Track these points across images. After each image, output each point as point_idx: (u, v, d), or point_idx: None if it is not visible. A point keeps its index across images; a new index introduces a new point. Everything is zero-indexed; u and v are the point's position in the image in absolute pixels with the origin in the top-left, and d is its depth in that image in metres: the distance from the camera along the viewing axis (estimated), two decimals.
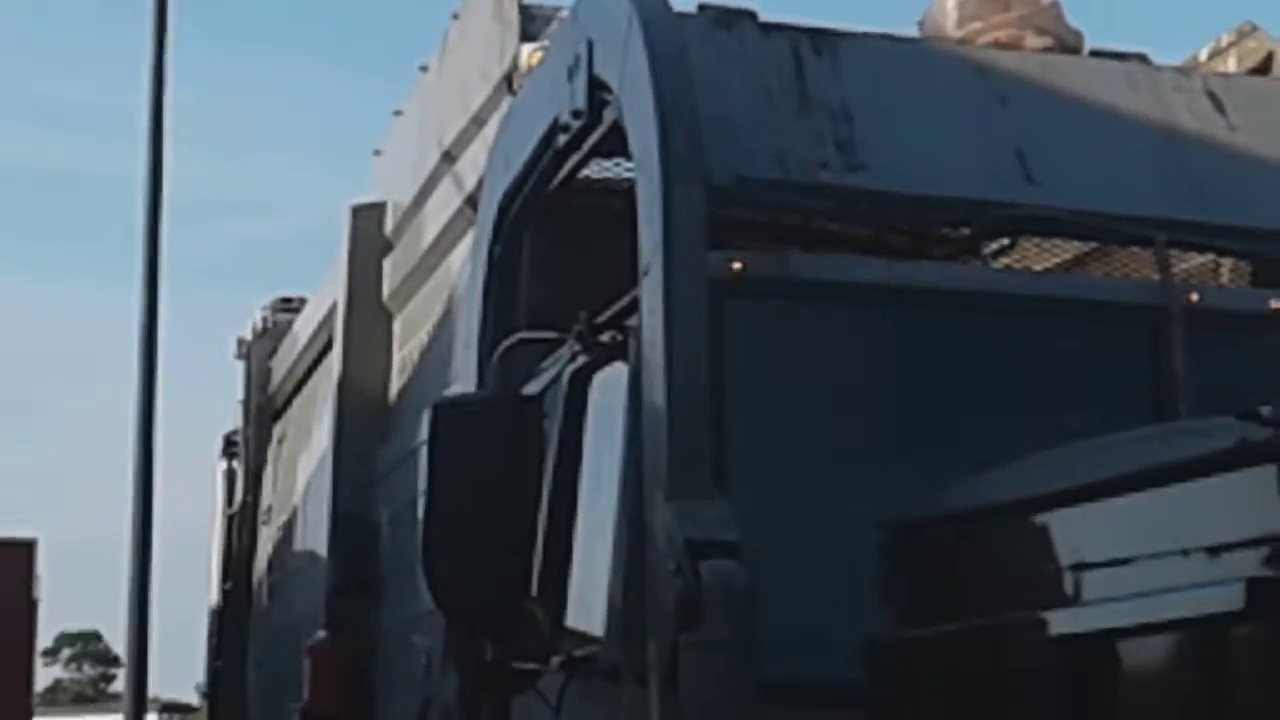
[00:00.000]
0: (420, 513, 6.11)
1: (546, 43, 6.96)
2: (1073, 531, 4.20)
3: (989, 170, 6.28)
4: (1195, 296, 6.01)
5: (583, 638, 5.71)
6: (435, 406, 6.13)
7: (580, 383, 5.95)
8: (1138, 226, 6.15)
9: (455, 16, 8.36)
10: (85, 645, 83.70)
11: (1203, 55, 7.49)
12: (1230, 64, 7.39)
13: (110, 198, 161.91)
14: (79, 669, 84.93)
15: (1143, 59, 6.94)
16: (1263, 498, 3.51)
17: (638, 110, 5.60)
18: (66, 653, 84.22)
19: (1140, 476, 3.96)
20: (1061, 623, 4.06)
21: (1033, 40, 7.04)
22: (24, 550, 19.94)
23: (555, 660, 5.81)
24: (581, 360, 5.94)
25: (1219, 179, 6.50)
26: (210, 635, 13.52)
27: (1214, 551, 3.62)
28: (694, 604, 4.80)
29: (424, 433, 6.09)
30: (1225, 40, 7.57)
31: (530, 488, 5.92)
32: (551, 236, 6.66)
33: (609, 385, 5.79)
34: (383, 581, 8.75)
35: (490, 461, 5.93)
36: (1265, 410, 3.56)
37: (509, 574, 5.88)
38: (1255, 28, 7.55)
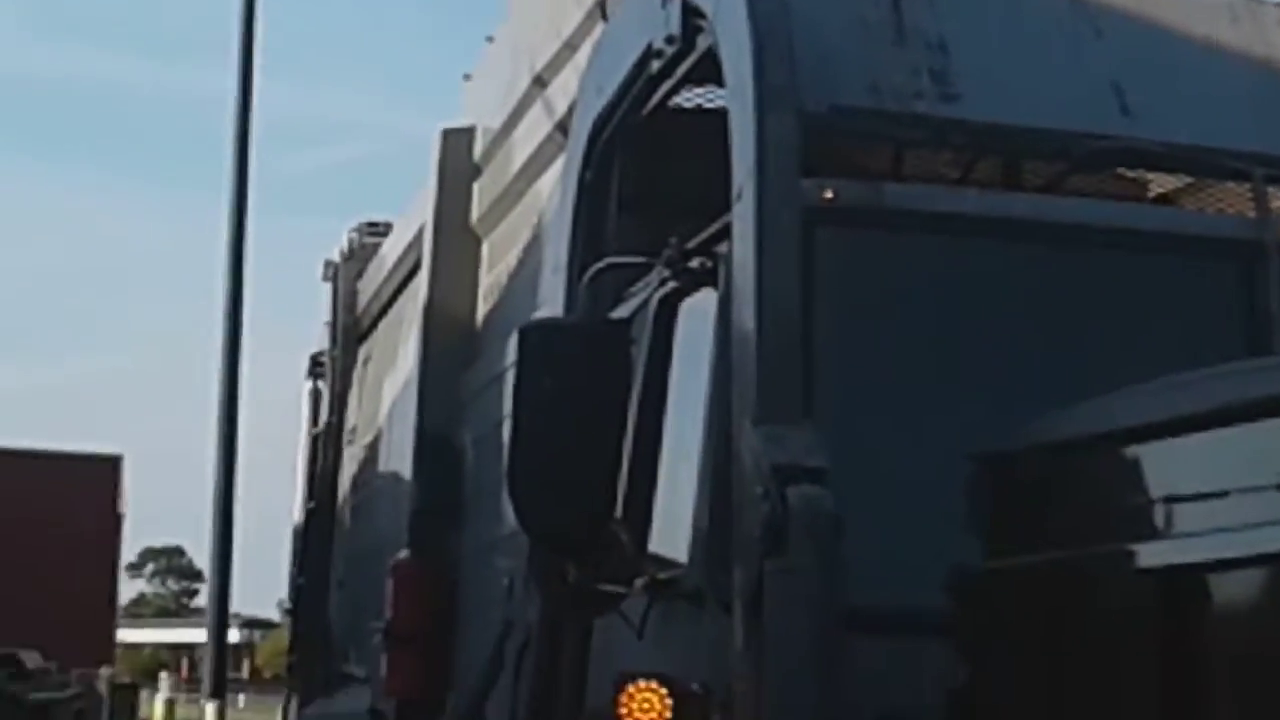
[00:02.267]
0: (506, 436, 6.13)
1: None
2: (1165, 464, 4.17)
3: (1083, 102, 6.23)
4: None
5: (667, 561, 5.71)
6: (523, 329, 6.14)
7: (669, 308, 5.95)
8: (1235, 161, 6.10)
9: None
10: (169, 560, 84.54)
11: None
12: None
13: (200, 120, 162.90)
14: (163, 583, 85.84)
15: None
16: None
17: (732, 37, 5.58)
18: (150, 567, 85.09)
19: (1235, 410, 3.94)
20: (1152, 555, 4.06)
21: None
22: (110, 465, 20.10)
23: (639, 583, 5.81)
24: (670, 286, 5.93)
25: None
26: (294, 553, 13.59)
27: None
28: (780, 529, 4.79)
29: (511, 356, 6.11)
30: None
31: (617, 411, 5.93)
32: (643, 162, 6.62)
33: (698, 311, 5.78)
34: (466, 504, 8.78)
35: (577, 385, 5.94)
36: None
37: (594, 497, 5.89)
38: None
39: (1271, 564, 3.74)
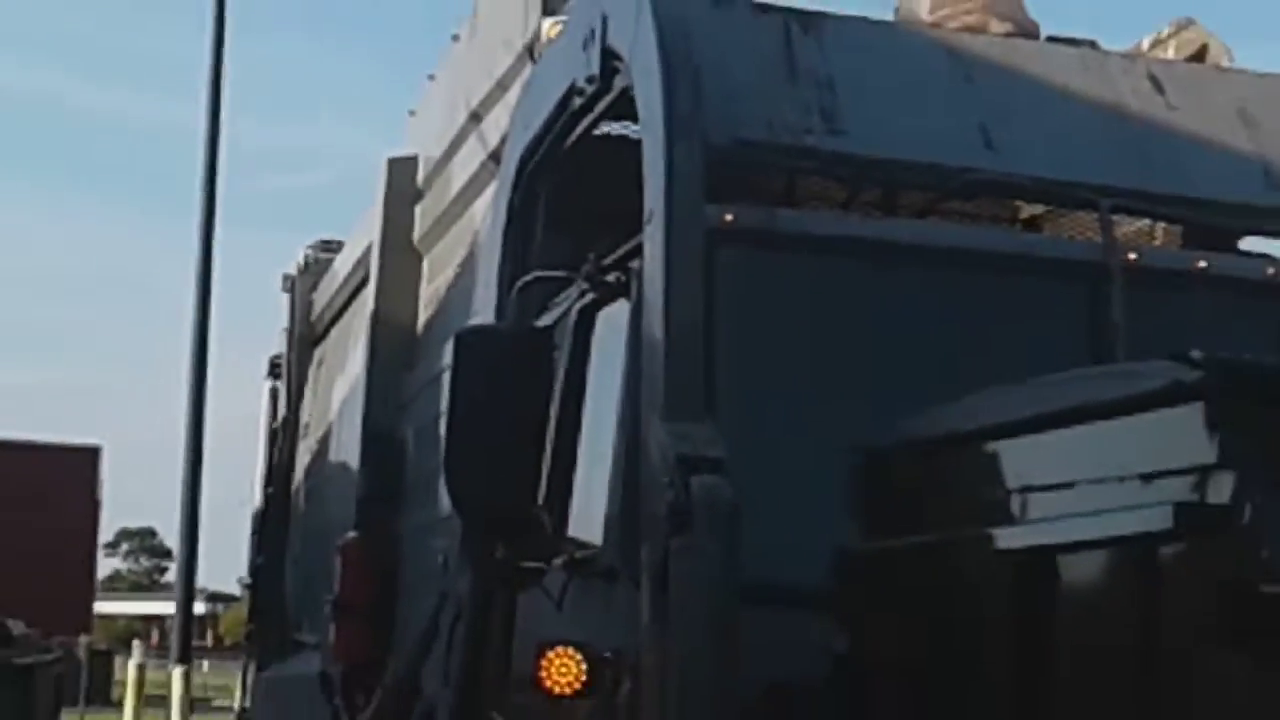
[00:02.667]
0: (443, 430, 6.13)
1: (565, 17, 6.95)
2: (1021, 458, 4.21)
3: (954, 139, 6.28)
4: (1133, 256, 6.06)
5: (583, 542, 5.74)
6: (459, 336, 6.14)
7: (587, 317, 5.97)
8: (1084, 192, 6.19)
9: None
10: (142, 540, 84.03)
11: (1145, 44, 7.50)
12: (1170, 52, 7.40)
13: (170, 147, 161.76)
14: (136, 561, 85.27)
15: (1093, 45, 6.95)
16: (1191, 431, 3.52)
17: (645, 77, 5.60)
18: (125, 546, 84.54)
19: (1083, 410, 3.97)
20: (1009, 539, 4.09)
21: (996, 26, 7.05)
22: (90, 455, 19.97)
23: (558, 561, 5.84)
24: (589, 297, 5.95)
25: (1158, 152, 6.52)
26: (253, 534, 13.55)
27: (1147, 478, 3.63)
28: (683, 513, 4.81)
29: (448, 359, 6.12)
30: (1165, 32, 7.59)
31: (541, 409, 5.95)
32: (565, 188, 6.63)
33: (612, 320, 5.80)
34: (407, 491, 8.78)
35: (506, 385, 5.96)
36: (1195, 354, 3.56)
37: (520, 484, 5.90)
38: (1192, 21, 7.58)
39: (1113, 546, 3.76)
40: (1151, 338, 5.05)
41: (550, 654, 5.35)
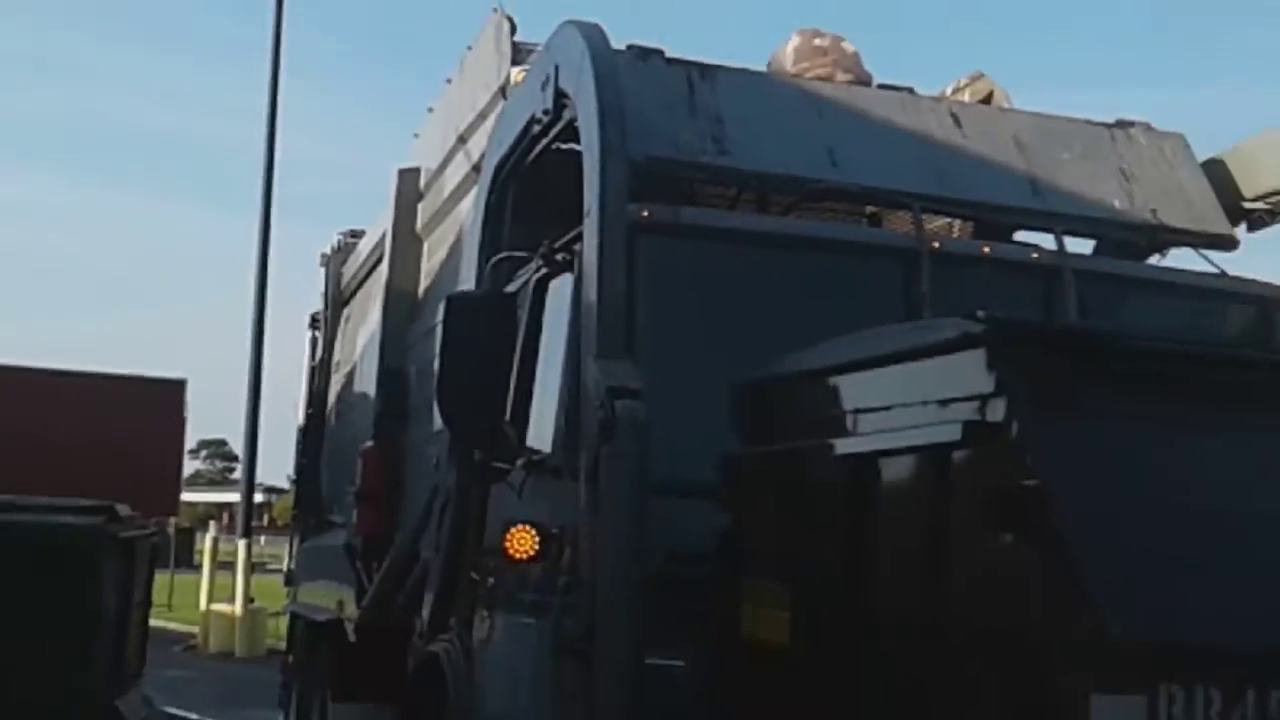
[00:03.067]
0: (436, 368, 6.12)
1: (528, 66, 6.91)
2: (854, 388, 4.22)
3: (809, 158, 6.33)
4: (937, 244, 6.09)
5: (537, 450, 5.76)
6: (448, 299, 6.15)
7: (542, 285, 5.96)
8: (902, 198, 6.26)
9: (470, 48, 8.31)
10: (215, 448, 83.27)
11: (948, 90, 7.54)
12: (965, 96, 7.45)
13: (233, 160, 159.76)
14: (211, 463, 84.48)
15: (910, 90, 6.98)
16: (976, 369, 3.52)
17: (586, 112, 5.57)
18: (204, 452, 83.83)
19: (899, 354, 3.99)
20: (844, 446, 4.10)
21: (840, 76, 7.08)
22: (178, 387, 19.82)
23: (519, 463, 5.85)
24: (543, 271, 5.94)
25: (955, 169, 6.58)
26: (298, 443, 13.43)
27: (943, 403, 3.65)
28: (610, 428, 4.83)
29: (440, 316, 6.09)
30: (963, 82, 7.65)
31: (507, 352, 5.96)
32: (527, 191, 6.61)
33: (560, 288, 5.79)
34: (410, 412, 8.73)
35: (482, 335, 5.97)
36: (979, 314, 3.57)
37: (492, 408, 5.91)
38: (983, 74, 7.65)
39: (917, 452, 3.78)
40: (949, 302, 5.08)
41: (513, 530, 5.38)
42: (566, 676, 4.91)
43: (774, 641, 4.33)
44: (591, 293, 5.31)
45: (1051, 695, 3.14)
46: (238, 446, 39.73)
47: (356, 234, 12.46)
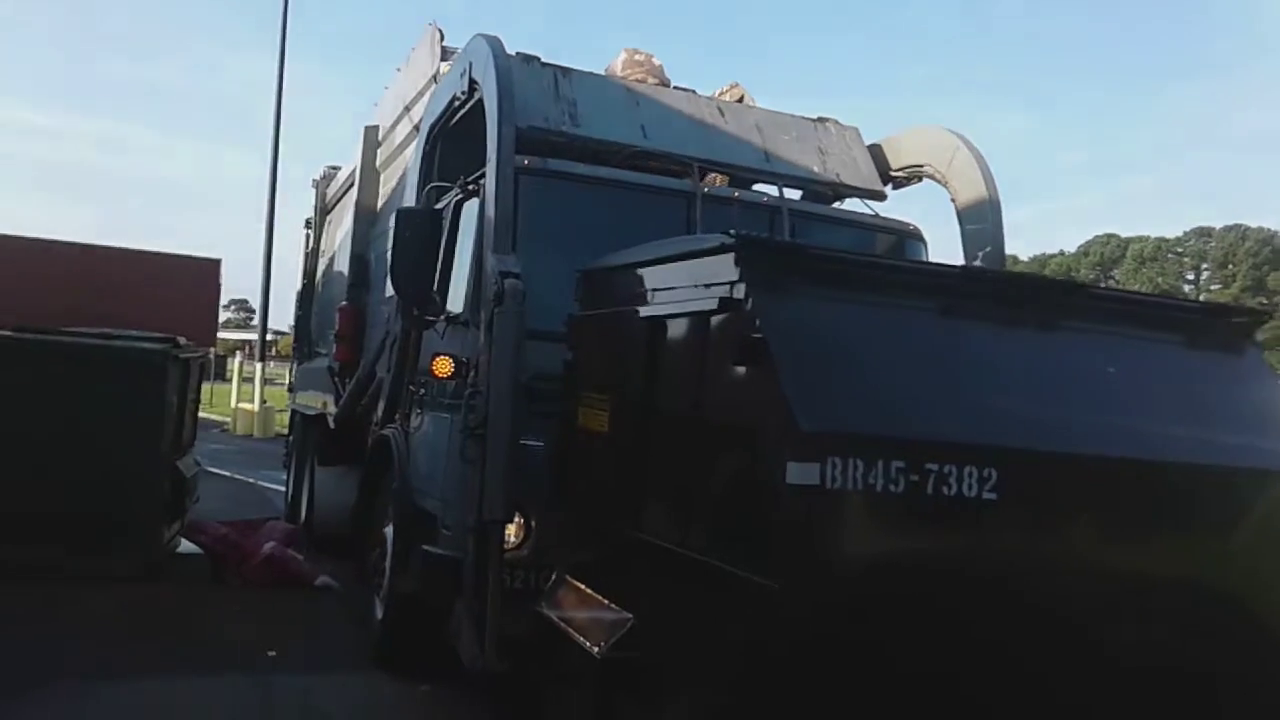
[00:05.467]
0: (389, 256, 5.97)
1: (451, 62, 6.68)
2: (653, 276, 4.17)
3: (628, 132, 6.25)
4: (706, 189, 6.05)
5: (453, 310, 5.67)
6: (398, 211, 5.96)
7: (459, 206, 5.83)
8: (685, 159, 6.18)
9: (413, 48, 7.98)
10: (240, 305, 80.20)
11: (716, 92, 7.49)
12: (726, 97, 7.41)
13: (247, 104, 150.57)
14: (236, 312, 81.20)
15: (693, 91, 6.94)
16: (727, 265, 3.52)
17: (489, 93, 5.42)
18: (232, 306, 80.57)
19: (681, 254, 3.97)
20: (645, 311, 4.09)
21: (651, 80, 7.00)
22: (215, 264, 18.99)
23: (443, 317, 5.76)
24: (459, 196, 5.81)
25: (719, 143, 6.57)
26: (296, 301, 13.01)
27: (707, 285, 3.64)
28: (500, 295, 4.80)
29: (393, 222, 5.93)
30: (726, 87, 7.60)
31: (436, 248, 5.82)
32: (450, 145, 6.41)
33: (471, 207, 5.68)
34: (372, 281, 8.50)
35: (421, 235, 5.81)
36: (730, 232, 3.57)
37: (426, 281, 5.80)
38: (737, 84, 7.60)
39: (691, 316, 3.75)
40: (713, 226, 5.11)
41: (437, 358, 5.33)
42: (470, 449, 4.89)
43: (598, 430, 4.35)
44: (491, 211, 5.20)
45: (765, 463, 3.20)
46: (254, 302, 38.53)
47: (335, 167, 11.97)
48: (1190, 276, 73.90)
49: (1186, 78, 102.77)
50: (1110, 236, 76.64)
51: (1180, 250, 74.96)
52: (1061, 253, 78.01)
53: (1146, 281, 69.16)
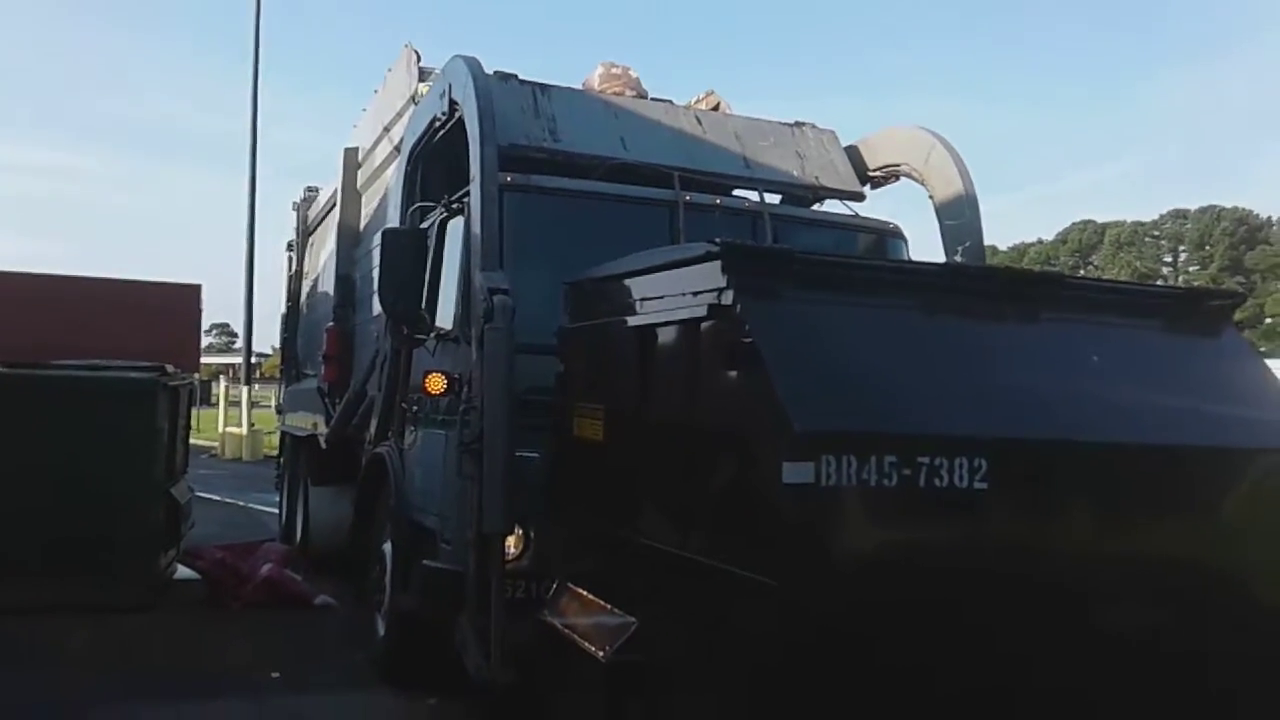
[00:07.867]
0: (376, 275, 6.01)
1: (430, 83, 6.72)
2: (643, 285, 4.17)
3: (608, 145, 6.29)
4: (689, 198, 6.08)
5: (444, 327, 5.70)
6: (384, 232, 6.00)
7: (444, 225, 5.87)
8: (667, 170, 6.20)
9: (389, 69, 8.01)
10: (222, 329, 79.77)
11: (692, 101, 7.55)
12: (703, 105, 7.47)
13: (228, 140, 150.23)
14: (218, 337, 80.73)
15: (671, 101, 6.99)
16: (713, 273, 3.54)
17: (470, 113, 5.46)
18: (214, 331, 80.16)
19: (670, 264, 3.97)
20: (635, 320, 4.06)
21: (629, 92, 7.06)
22: (196, 289, 18.89)
23: (433, 335, 5.80)
24: (444, 215, 5.85)
25: (698, 151, 6.61)
26: (281, 324, 13.00)
27: (696, 294, 3.65)
28: (490, 313, 4.83)
29: (377, 241, 5.96)
30: (702, 95, 7.66)
31: (422, 267, 5.85)
32: (432, 164, 6.45)
33: (456, 225, 5.72)
34: (358, 302, 8.54)
35: (405, 255, 5.84)
36: (717, 240, 3.55)
37: (414, 300, 5.84)
38: (713, 91, 7.67)
39: (681, 324, 3.76)
40: (697, 235, 5.16)
41: (429, 375, 5.36)
42: (465, 464, 4.92)
43: (592, 439, 4.35)
44: (477, 228, 5.24)
45: (760, 463, 3.22)
46: (236, 326, 38.34)
47: (313, 189, 11.97)
48: (1168, 259, 74.38)
49: (1169, 63, 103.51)
50: (1087, 223, 77.07)
51: (1157, 233, 75.44)
52: (1040, 240, 78.50)
53: (1125, 265, 69.50)
